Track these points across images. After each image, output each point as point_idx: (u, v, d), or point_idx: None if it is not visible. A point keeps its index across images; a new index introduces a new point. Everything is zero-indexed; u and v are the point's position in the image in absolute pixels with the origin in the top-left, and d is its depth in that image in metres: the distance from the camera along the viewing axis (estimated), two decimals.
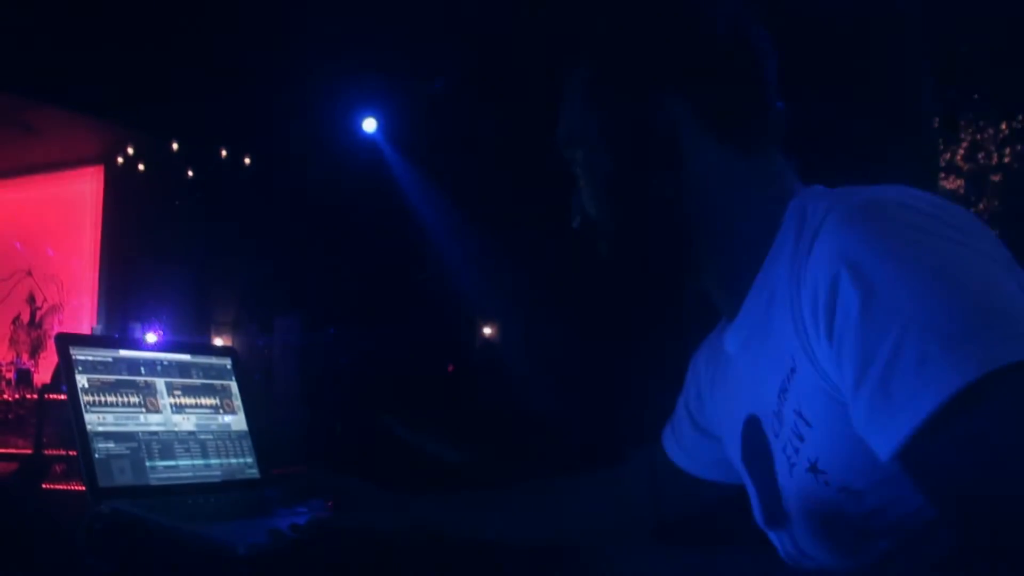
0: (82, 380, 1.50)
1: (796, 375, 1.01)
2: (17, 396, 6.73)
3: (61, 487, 5.08)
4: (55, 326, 7.94)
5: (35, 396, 6.48)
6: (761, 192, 1.12)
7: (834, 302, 0.89)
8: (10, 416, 6.57)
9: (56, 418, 5.48)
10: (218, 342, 7.32)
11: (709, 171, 1.12)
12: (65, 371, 1.51)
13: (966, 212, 0.92)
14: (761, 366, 1.09)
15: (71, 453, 5.15)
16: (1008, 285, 0.84)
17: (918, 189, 0.95)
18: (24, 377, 7.43)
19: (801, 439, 1.02)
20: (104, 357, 1.56)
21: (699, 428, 1.36)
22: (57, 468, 5.26)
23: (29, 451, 5.65)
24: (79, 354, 1.53)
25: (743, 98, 1.13)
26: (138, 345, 1.64)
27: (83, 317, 8.13)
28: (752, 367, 1.13)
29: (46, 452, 5.26)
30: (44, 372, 7.42)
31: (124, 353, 1.59)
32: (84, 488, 1.41)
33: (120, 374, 1.56)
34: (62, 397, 5.54)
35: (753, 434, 1.13)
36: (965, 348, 0.79)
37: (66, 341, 1.53)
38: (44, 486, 4.84)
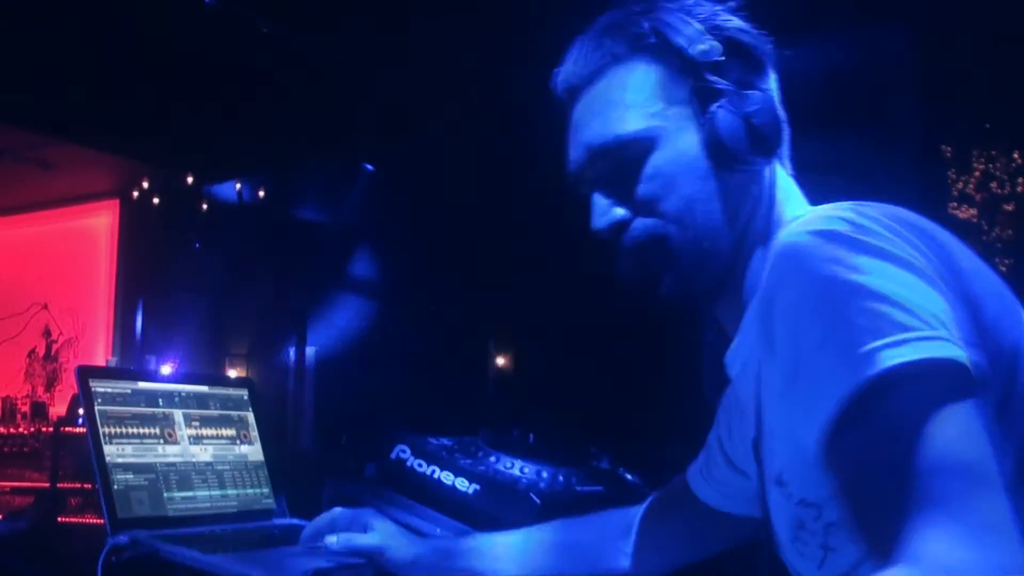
0: (101, 412, 1.52)
1: (761, 387, 1.04)
2: (32, 429, 6.75)
3: (76, 520, 5.08)
4: (71, 359, 7.97)
5: (50, 429, 6.49)
6: (787, 208, 1.14)
7: (770, 313, 0.94)
8: (25, 449, 6.58)
9: (71, 451, 5.49)
10: (232, 374, 7.34)
11: (775, 174, 1.15)
12: (85, 403, 1.53)
13: (908, 221, 0.95)
14: (752, 386, 1.11)
15: (86, 486, 5.17)
16: (915, 296, 0.87)
17: (873, 204, 0.98)
18: (39, 410, 7.45)
19: (772, 452, 1.04)
20: (123, 389, 1.58)
21: (729, 461, 1.37)
22: (72, 501, 5.27)
23: (44, 484, 5.65)
24: (98, 386, 1.55)
25: (776, 104, 1.15)
26: (156, 377, 1.66)
27: (98, 350, 8.16)
28: (746, 389, 1.15)
29: (61, 485, 5.27)
30: (59, 405, 7.44)
31: (143, 385, 1.61)
32: (101, 520, 1.42)
33: (139, 406, 1.57)
34: (77, 430, 5.56)
35: (756, 456, 1.15)
36: (857, 357, 0.83)
37: (86, 374, 1.55)
38: (60, 519, 4.85)
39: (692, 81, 1.12)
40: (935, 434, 0.79)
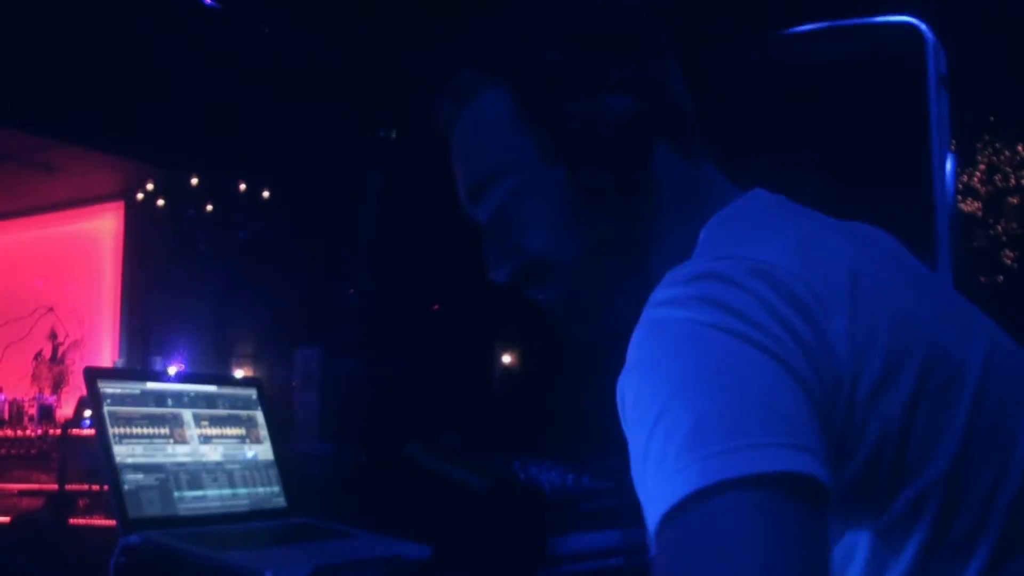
0: (110, 413, 1.52)
1: None
2: (40, 431, 6.76)
3: (85, 522, 5.09)
4: (77, 361, 7.98)
5: (58, 431, 6.50)
6: (703, 205, 1.01)
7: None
8: (33, 451, 6.60)
9: (79, 453, 5.49)
10: (239, 373, 7.35)
11: (667, 176, 1.01)
12: (93, 404, 1.53)
13: (774, 280, 0.83)
14: None
15: (94, 487, 5.18)
16: (763, 393, 0.77)
17: (745, 256, 0.87)
18: (46, 412, 7.46)
19: None
20: (131, 390, 1.58)
21: None
22: (81, 503, 5.28)
23: (53, 486, 5.66)
24: (107, 387, 1.55)
25: (681, 86, 1.04)
26: (164, 377, 1.66)
27: (105, 351, 8.17)
28: None
29: (69, 487, 5.28)
30: (66, 407, 7.45)
31: (151, 385, 1.61)
32: (109, 522, 1.43)
33: (147, 406, 1.58)
34: (84, 432, 5.57)
35: None
36: (677, 467, 0.74)
37: (94, 375, 1.56)
38: (70, 521, 4.86)
39: (545, 99, 1.00)
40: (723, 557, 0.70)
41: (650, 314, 0.85)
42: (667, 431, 0.76)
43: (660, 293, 0.86)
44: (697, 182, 1.04)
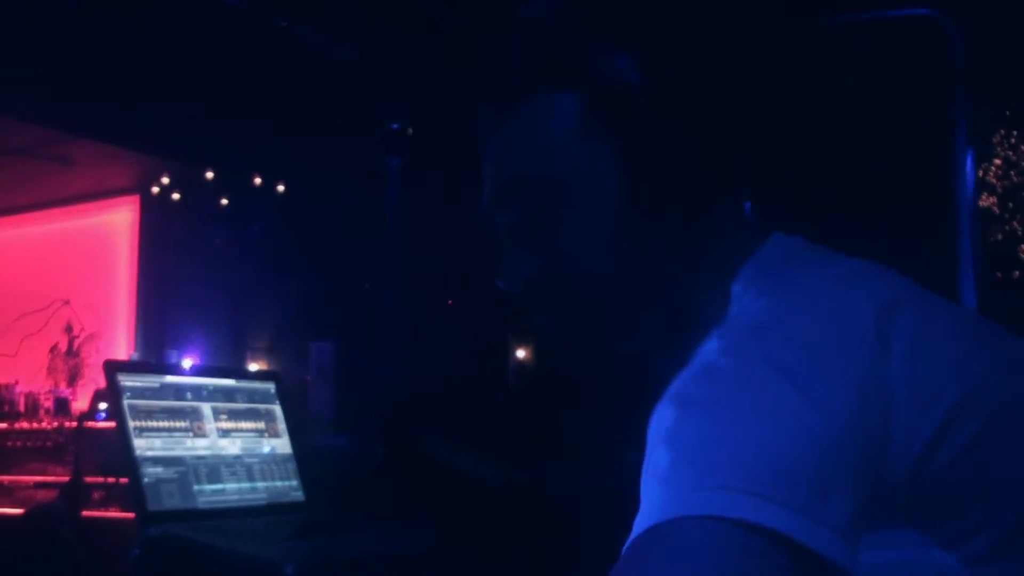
0: (130, 406, 1.53)
1: None
2: (55, 424, 6.79)
3: (99, 514, 5.12)
4: (92, 354, 8.01)
5: (73, 424, 6.53)
6: (735, 256, 0.98)
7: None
8: (48, 444, 6.63)
9: (94, 446, 5.52)
10: (254, 367, 7.37)
11: (721, 215, 0.99)
12: (113, 397, 1.54)
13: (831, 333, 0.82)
14: None
15: (108, 480, 5.21)
16: (787, 448, 0.75)
17: (810, 308, 0.85)
18: (62, 405, 7.50)
19: None
20: (151, 383, 1.59)
21: None
22: (95, 495, 5.31)
23: (68, 478, 5.69)
24: (127, 381, 1.56)
25: (748, 133, 1.02)
26: (184, 370, 1.67)
27: (120, 345, 8.20)
28: None
29: (84, 479, 5.31)
30: (82, 400, 7.48)
31: (170, 379, 1.62)
32: (124, 514, 1.44)
33: (167, 399, 1.58)
34: (99, 425, 5.59)
35: None
36: (665, 493, 0.75)
37: (114, 368, 1.56)
38: (84, 513, 4.88)
39: (614, 115, 0.97)
40: None
41: (698, 359, 0.86)
42: (655, 463, 0.77)
43: (713, 343, 0.86)
44: (740, 231, 1.01)
